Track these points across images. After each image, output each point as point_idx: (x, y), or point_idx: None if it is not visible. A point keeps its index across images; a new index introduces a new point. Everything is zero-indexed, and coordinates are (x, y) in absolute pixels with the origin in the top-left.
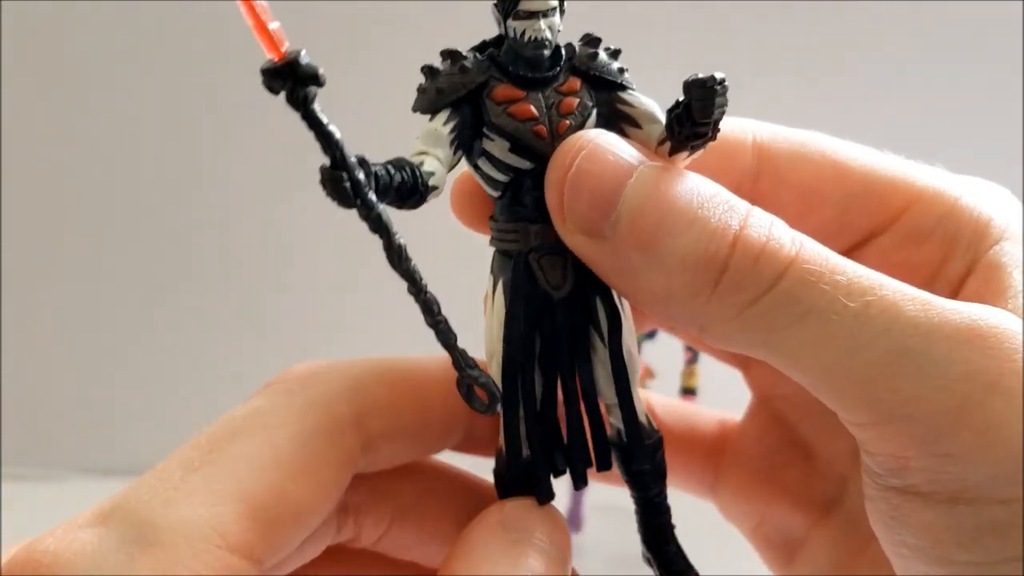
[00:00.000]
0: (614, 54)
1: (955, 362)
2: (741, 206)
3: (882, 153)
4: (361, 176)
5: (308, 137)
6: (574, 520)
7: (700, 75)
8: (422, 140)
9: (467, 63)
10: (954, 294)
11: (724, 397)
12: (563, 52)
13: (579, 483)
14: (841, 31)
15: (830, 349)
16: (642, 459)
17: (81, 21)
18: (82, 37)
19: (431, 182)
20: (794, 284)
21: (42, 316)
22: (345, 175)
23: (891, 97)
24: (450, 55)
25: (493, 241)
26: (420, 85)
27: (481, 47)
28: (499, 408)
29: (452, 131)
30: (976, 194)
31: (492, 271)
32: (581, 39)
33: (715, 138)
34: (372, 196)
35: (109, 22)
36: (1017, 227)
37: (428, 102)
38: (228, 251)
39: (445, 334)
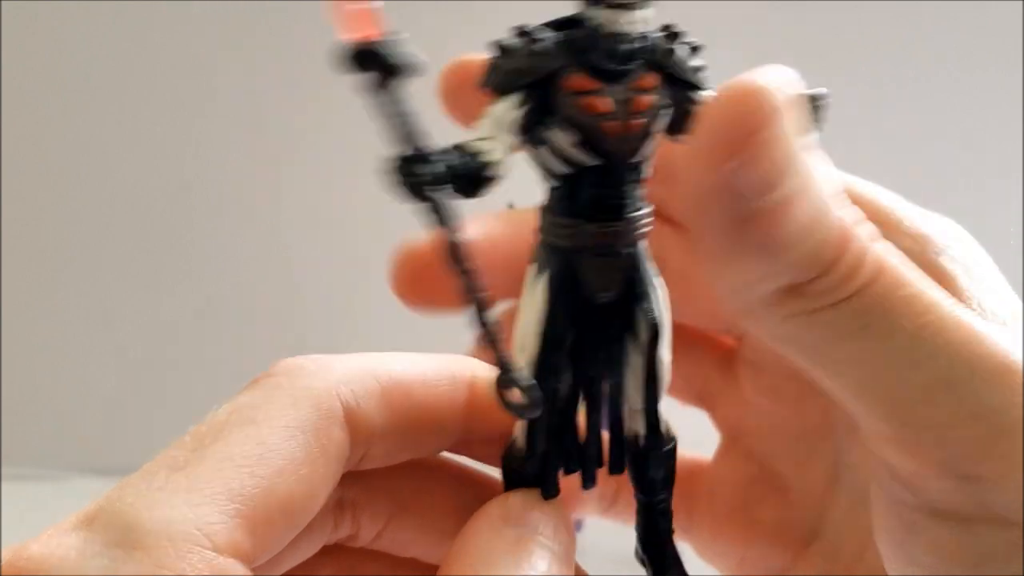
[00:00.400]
0: (694, 50)
1: (992, 395)
2: (858, 214)
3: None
4: (430, 169)
5: (305, 135)
6: (575, 520)
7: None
8: (490, 125)
9: (542, 45)
10: None
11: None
12: (642, 44)
13: (588, 483)
14: (840, 31)
15: (877, 365)
16: (658, 466)
17: (81, 21)
18: (82, 37)
19: (495, 172)
20: (868, 299)
21: (42, 316)
22: (418, 172)
23: (891, 98)
24: (525, 33)
25: (541, 231)
26: (491, 63)
27: (557, 25)
28: (535, 414)
29: (521, 117)
30: (915, 210)
31: (536, 261)
32: (661, 31)
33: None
34: (440, 193)
35: (109, 21)
36: (959, 239)
37: (500, 82)
38: (229, 251)
39: (493, 333)
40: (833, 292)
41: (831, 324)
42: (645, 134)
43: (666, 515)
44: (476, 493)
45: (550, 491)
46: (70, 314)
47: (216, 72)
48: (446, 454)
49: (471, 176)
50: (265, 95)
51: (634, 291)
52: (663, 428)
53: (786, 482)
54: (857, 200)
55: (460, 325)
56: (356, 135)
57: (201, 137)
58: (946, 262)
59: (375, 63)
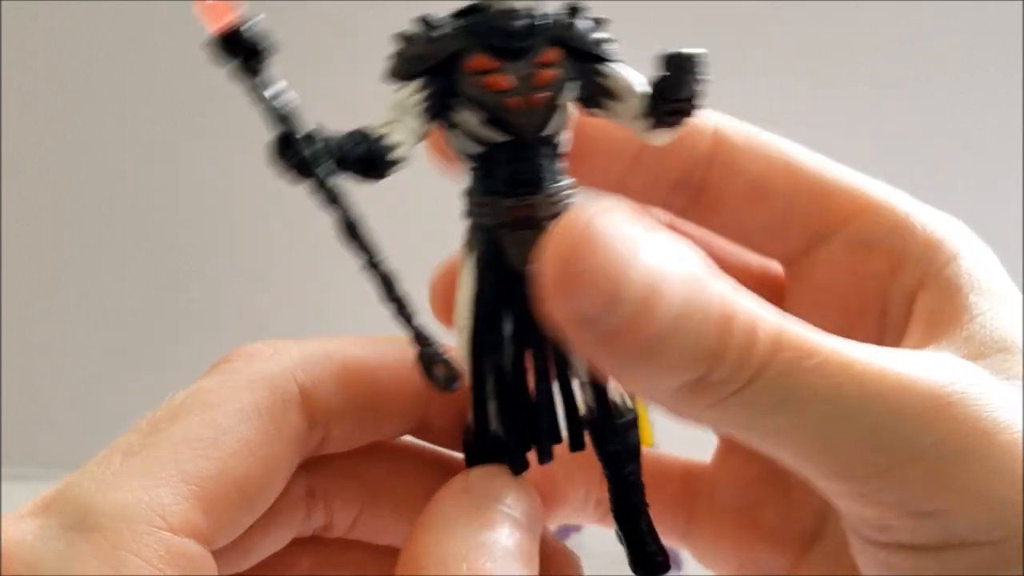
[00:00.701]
0: (597, 23)
1: (924, 435)
2: (728, 289)
3: (836, 163)
4: (309, 152)
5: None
6: (576, 524)
7: (681, 51)
8: (391, 109)
9: (442, 31)
10: (908, 307)
11: (691, 448)
12: (542, 22)
13: (544, 458)
14: (839, 31)
15: (805, 432)
16: (614, 438)
17: (81, 20)
18: (82, 37)
19: (395, 155)
20: (775, 375)
21: (42, 316)
22: (292, 150)
23: (891, 98)
24: (425, 22)
25: (466, 213)
26: (393, 52)
27: (459, 14)
28: (458, 386)
29: (423, 100)
30: (928, 214)
31: (465, 243)
32: (564, 8)
33: (691, 115)
34: (322, 170)
35: (109, 21)
36: (970, 248)
37: (401, 70)
38: (229, 251)
39: (402, 309)
40: (734, 378)
41: (747, 406)
42: (550, 107)
43: (636, 488)
44: (447, 476)
45: (516, 467)
46: (70, 314)
47: (217, 75)
48: (413, 439)
49: (370, 158)
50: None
51: None
52: (615, 399)
53: (787, 484)
54: (870, 205)
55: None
56: (334, 110)
57: (201, 137)
58: (953, 274)
59: (238, 48)
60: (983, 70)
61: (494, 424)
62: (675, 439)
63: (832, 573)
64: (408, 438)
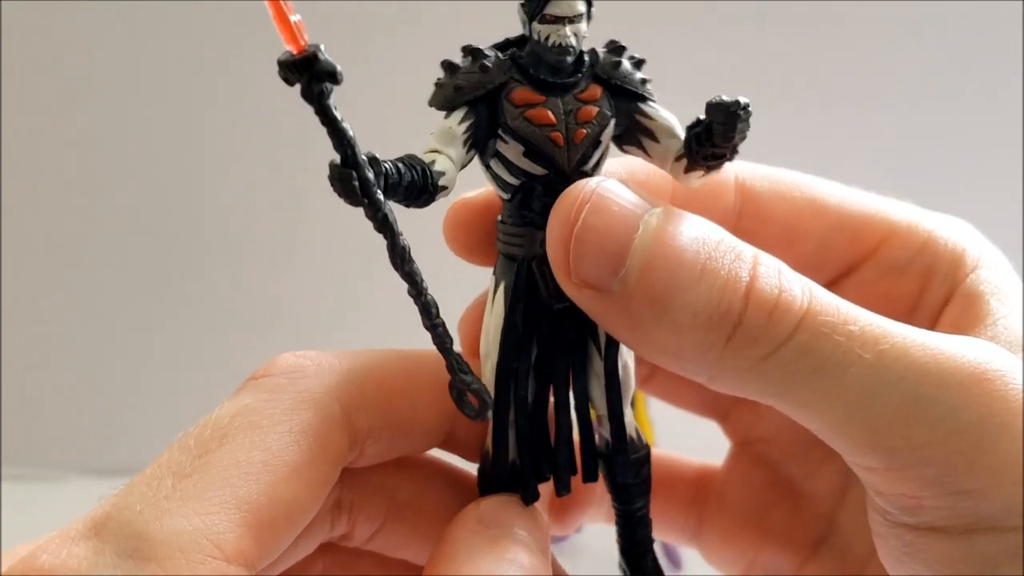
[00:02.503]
0: (637, 64)
1: (967, 407)
2: (748, 253)
3: (856, 190)
4: (370, 175)
5: (310, 135)
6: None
7: (725, 98)
8: (436, 138)
9: (488, 62)
10: (933, 322)
11: (683, 450)
12: (586, 58)
13: (561, 490)
14: (840, 36)
15: (845, 400)
16: (626, 472)
17: (81, 20)
18: (82, 36)
19: (441, 182)
20: (809, 337)
21: (42, 316)
22: (355, 173)
23: (890, 99)
24: (471, 52)
25: (498, 243)
26: (438, 80)
27: (503, 46)
28: (487, 416)
29: (467, 131)
30: (948, 227)
31: (495, 272)
32: (605, 46)
33: (732, 159)
34: (380, 195)
35: (110, 21)
36: (989, 256)
37: (445, 99)
38: (229, 251)
39: (441, 337)
40: (765, 339)
41: (784, 369)
42: (592, 143)
43: (644, 523)
44: (469, 499)
45: (528, 497)
46: (70, 314)
47: (222, 74)
48: (442, 459)
49: (421, 184)
50: (271, 97)
51: None
52: (631, 434)
53: (797, 488)
54: (896, 230)
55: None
56: (372, 135)
57: (203, 137)
58: (975, 282)
59: (313, 70)
60: (983, 70)
61: (513, 453)
62: (675, 439)
63: (839, 573)
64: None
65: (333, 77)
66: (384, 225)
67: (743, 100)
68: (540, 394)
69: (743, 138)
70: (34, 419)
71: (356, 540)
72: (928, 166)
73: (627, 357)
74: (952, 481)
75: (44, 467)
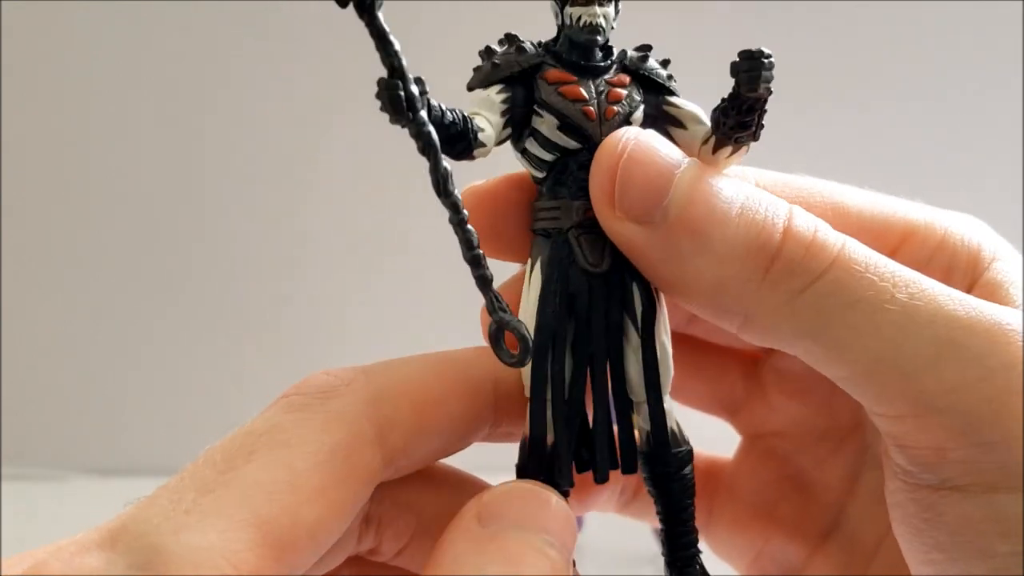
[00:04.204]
0: (664, 63)
1: (995, 354)
2: (783, 203)
3: (872, 192)
4: (416, 91)
5: (315, 137)
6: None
7: (749, 48)
8: (475, 103)
9: (524, 45)
10: None
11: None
12: (615, 53)
13: (600, 478)
14: (841, 36)
15: (878, 338)
16: (666, 463)
17: (82, 20)
18: (83, 37)
19: (480, 137)
20: (845, 273)
21: (42, 316)
22: (401, 84)
23: (890, 99)
24: (508, 38)
25: (534, 223)
26: (477, 65)
27: (539, 43)
28: (526, 362)
29: (504, 102)
30: (963, 224)
31: (531, 254)
32: (635, 48)
33: (758, 137)
34: (424, 115)
35: (110, 21)
36: (1004, 249)
37: (483, 76)
38: (229, 250)
39: (482, 269)
40: (803, 269)
41: (819, 304)
42: (623, 122)
43: (691, 529)
44: None
45: (564, 483)
46: (71, 314)
47: (229, 80)
48: (475, 475)
49: (460, 132)
50: (276, 102)
51: (626, 264)
52: (672, 427)
53: (806, 479)
54: (914, 230)
55: (463, 332)
56: (371, 136)
57: (205, 137)
58: (994, 274)
59: None
60: (983, 70)
61: (551, 436)
62: (686, 432)
63: (847, 563)
64: (464, 466)
65: None
66: (428, 145)
67: (766, 49)
68: (578, 373)
69: (768, 90)
70: (34, 419)
71: (384, 555)
72: (928, 166)
73: (665, 338)
74: (978, 430)
75: (44, 467)
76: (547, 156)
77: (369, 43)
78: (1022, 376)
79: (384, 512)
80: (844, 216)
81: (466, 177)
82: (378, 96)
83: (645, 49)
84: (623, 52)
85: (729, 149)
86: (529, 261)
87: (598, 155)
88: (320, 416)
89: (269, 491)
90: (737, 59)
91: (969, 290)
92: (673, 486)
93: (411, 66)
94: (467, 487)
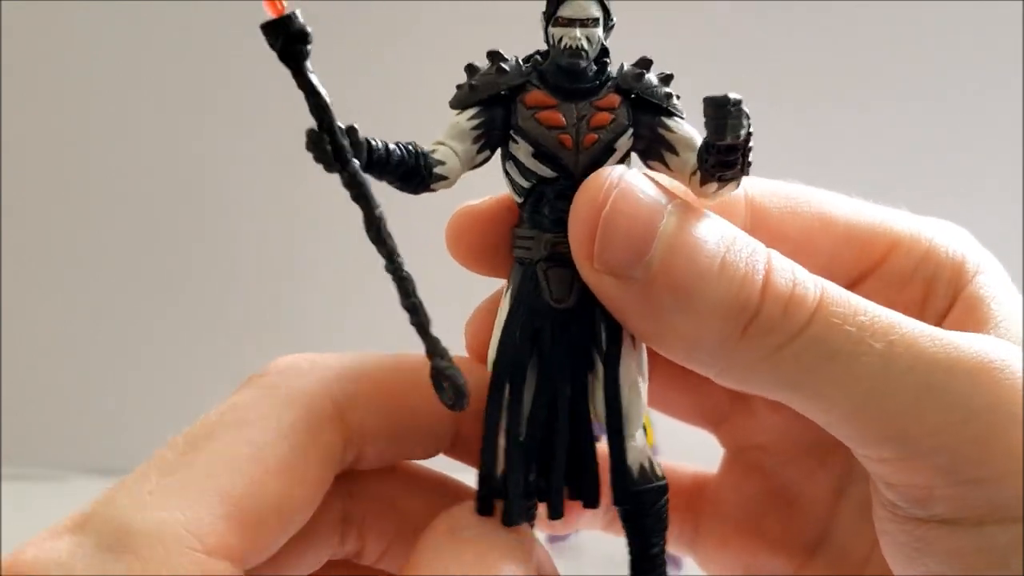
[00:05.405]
0: (665, 79)
1: (977, 395)
2: (761, 249)
3: (859, 201)
4: (345, 142)
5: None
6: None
7: (715, 94)
8: (444, 132)
9: (506, 65)
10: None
11: (682, 451)
12: (610, 70)
13: (552, 513)
14: (841, 36)
15: (857, 388)
16: (630, 500)
17: (82, 20)
18: (83, 37)
19: (438, 170)
20: (822, 327)
21: (42, 316)
22: (326, 137)
23: (890, 99)
24: (492, 56)
25: (512, 249)
26: (459, 83)
27: (530, 56)
28: (464, 405)
29: (476, 128)
30: (947, 234)
31: (509, 279)
32: (635, 62)
33: (746, 171)
34: (356, 164)
35: (109, 21)
36: (987, 261)
37: (461, 98)
38: (229, 250)
39: (419, 316)
40: (781, 328)
41: (797, 359)
42: (604, 149)
43: (655, 565)
44: None
45: (509, 519)
46: (70, 314)
47: (225, 77)
48: (458, 479)
49: (413, 168)
50: (273, 100)
51: (594, 300)
52: (641, 462)
53: (793, 492)
54: (900, 241)
55: (456, 331)
56: (371, 135)
57: (205, 137)
58: (976, 288)
59: (288, 33)
60: (983, 70)
61: (500, 466)
62: (676, 440)
63: None
64: (444, 469)
65: (305, 38)
66: (358, 193)
67: (733, 96)
68: (537, 407)
69: (737, 136)
70: (34, 419)
71: (368, 558)
72: (928, 166)
73: (636, 374)
74: (964, 469)
75: (44, 467)
76: (524, 183)
77: (369, 43)
78: (1008, 414)
79: (365, 511)
80: (831, 226)
81: (464, 195)
82: (307, 147)
83: (643, 65)
84: (620, 68)
85: (715, 185)
86: (505, 285)
87: (578, 201)
88: (281, 393)
89: (231, 466)
90: (703, 100)
91: (952, 302)
92: (639, 523)
93: (411, 67)
94: (447, 489)
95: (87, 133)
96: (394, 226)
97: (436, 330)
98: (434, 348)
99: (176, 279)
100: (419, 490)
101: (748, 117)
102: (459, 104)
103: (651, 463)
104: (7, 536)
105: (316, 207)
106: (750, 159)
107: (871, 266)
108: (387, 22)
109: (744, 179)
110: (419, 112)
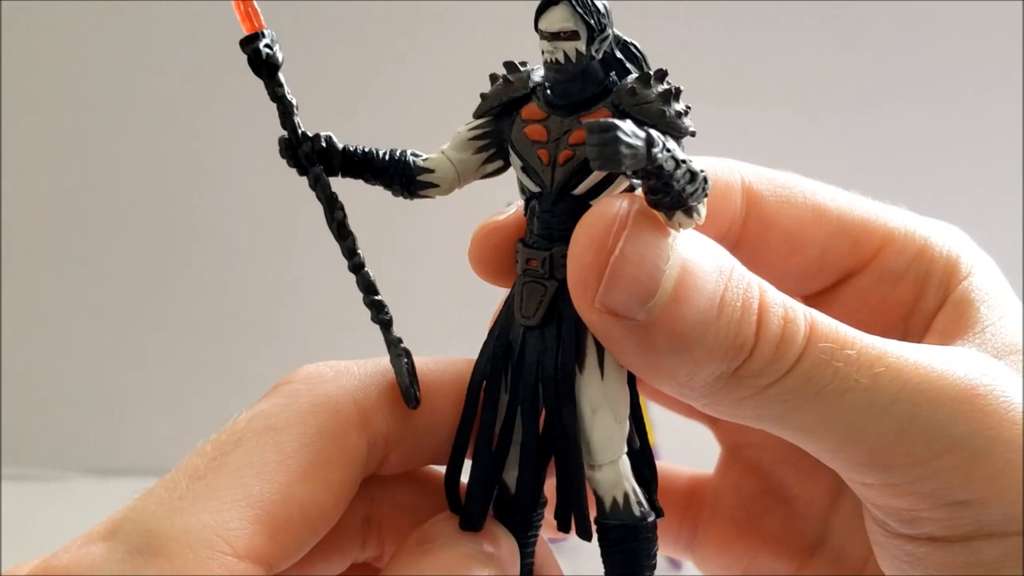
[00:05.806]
0: (665, 95)
1: (959, 424)
2: (755, 283)
3: (855, 195)
4: (308, 148)
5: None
6: None
7: (595, 120)
8: (450, 139)
9: (513, 76)
10: (926, 328)
11: (683, 452)
12: (603, 83)
13: (515, 532)
14: (841, 37)
15: (842, 423)
16: (584, 533)
17: (82, 20)
18: (83, 37)
19: (423, 177)
20: (810, 365)
21: (42, 316)
22: (296, 145)
23: (890, 98)
24: (507, 66)
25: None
26: (483, 92)
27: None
28: (413, 406)
29: (477, 138)
30: (942, 233)
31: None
32: (639, 75)
33: (691, 205)
34: (318, 168)
35: (110, 21)
36: (981, 263)
37: (478, 108)
38: (229, 250)
39: (380, 315)
40: (770, 371)
41: (784, 397)
42: (579, 167)
43: None
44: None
45: (468, 523)
46: (71, 315)
47: (226, 78)
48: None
49: (400, 172)
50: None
51: (560, 319)
52: (611, 495)
53: (790, 493)
54: (894, 237)
55: (464, 335)
56: (371, 136)
57: (205, 137)
58: (967, 289)
59: (251, 51)
60: (983, 70)
61: (464, 475)
62: (675, 440)
63: None
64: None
65: (271, 58)
66: (319, 195)
67: (603, 120)
68: (509, 420)
69: (618, 165)
70: (34, 419)
71: (387, 562)
72: (928, 166)
73: (602, 401)
74: (949, 493)
75: (44, 467)
76: (522, 195)
77: (368, 44)
78: (989, 440)
79: (384, 515)
80: (824, 218)
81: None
82: (279, 154)
83: (648, 79)
84: (620, 82)
85: (664, 215)
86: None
87: (580, 241)
88: (306, 400)
89: (259, 472)
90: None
91: (942, 303)
92: (607, 558)
93: (412, 70)
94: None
95: (87, 133)
96: (418, 229)
97: (459, 335)
98: (393, 347)
99: (177, 280)
100: (436, 494)
101: (652, 148)
102: (476, 113)
103: (632, 498)
104: (7, 536)
105: (317, 208)
106: (687, 196)
107: (864, 261)
108: (387, 23)
109: (743, 171)
110: (418, 115)
